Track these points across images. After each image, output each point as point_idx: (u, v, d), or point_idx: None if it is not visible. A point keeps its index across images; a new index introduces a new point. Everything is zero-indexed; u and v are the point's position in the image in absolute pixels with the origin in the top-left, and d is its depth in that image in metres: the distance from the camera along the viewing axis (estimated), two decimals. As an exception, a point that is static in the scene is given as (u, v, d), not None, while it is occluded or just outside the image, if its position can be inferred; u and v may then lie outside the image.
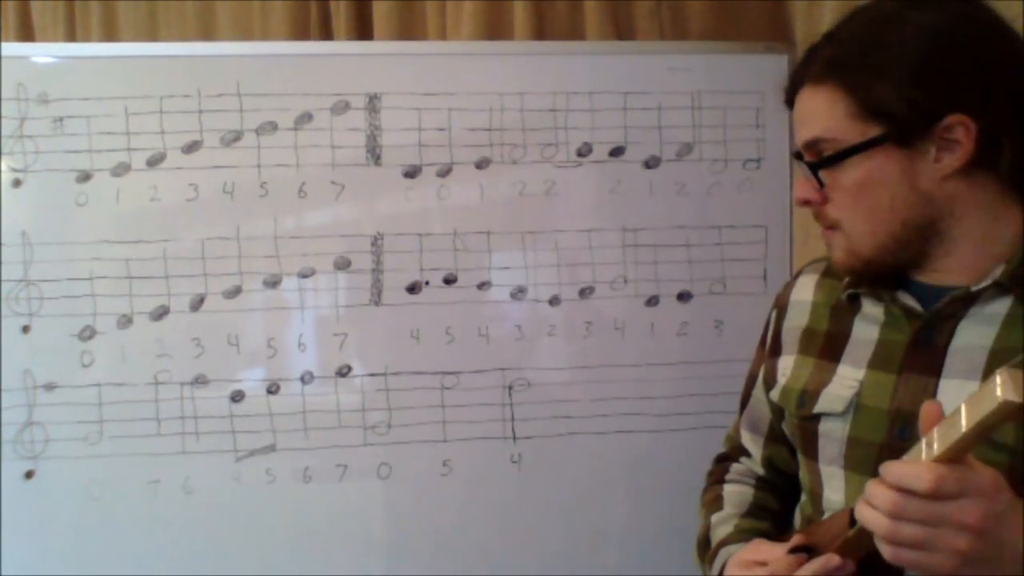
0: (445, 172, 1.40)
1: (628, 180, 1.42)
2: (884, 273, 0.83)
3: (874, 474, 0.76)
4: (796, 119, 0.83)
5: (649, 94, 1.41)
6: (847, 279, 0.89)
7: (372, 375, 1.39)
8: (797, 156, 0.84)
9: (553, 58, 1.43)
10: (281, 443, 1.38)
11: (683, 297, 1.43)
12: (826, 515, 0.85)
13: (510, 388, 1.41)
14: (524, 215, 1.41)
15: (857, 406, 0.83)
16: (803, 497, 0.93)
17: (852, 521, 0.71)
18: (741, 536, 0.94)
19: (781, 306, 0.98)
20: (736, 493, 1.01)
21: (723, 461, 1.07)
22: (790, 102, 0.85)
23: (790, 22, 1.50)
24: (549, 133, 1.40)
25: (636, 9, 1.55)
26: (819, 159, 0.80)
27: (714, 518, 0.99)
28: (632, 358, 1.42)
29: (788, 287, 0.99)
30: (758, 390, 1.00)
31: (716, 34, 1.53)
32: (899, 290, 0.84)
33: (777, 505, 0.99)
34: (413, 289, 1.40)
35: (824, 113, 0.80)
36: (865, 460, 0.81)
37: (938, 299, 0.80)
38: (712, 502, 1.02)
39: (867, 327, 0.86)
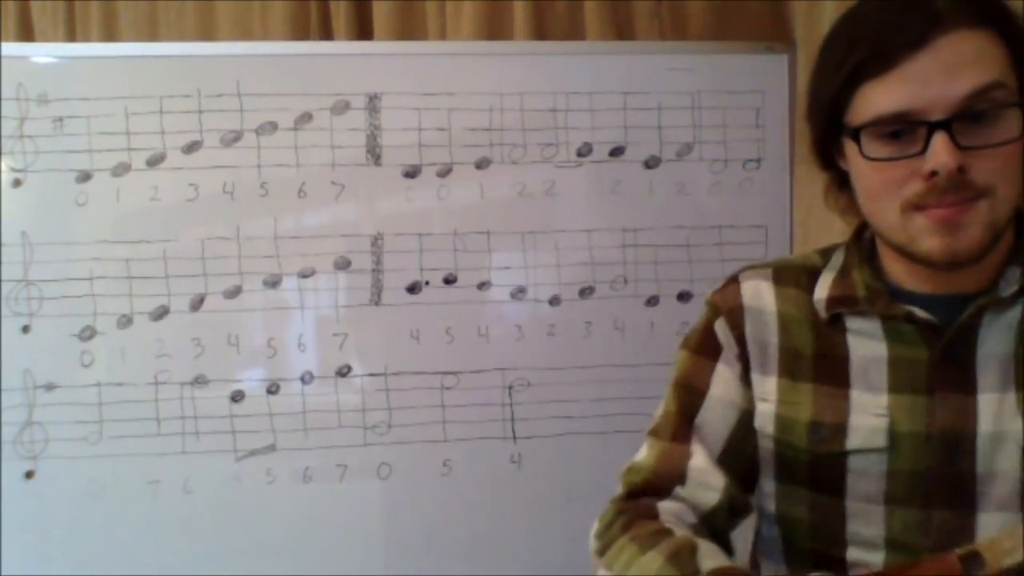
0: (445, 172, 1.40)
1: (628, 180, 1.42)
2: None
3: (924, 505, 0.74)
4: (949, 66, 0.69)
5: (649, 94, 1.41)
6: (828, 295, 0.81)
7: (372, 375, 1.39)
8: (937, 125, 0.69)
9: (553, 58, 1.43)
10: (281, 443, 1.38)
11: (683, 297, 1.43)
12: (854, 549, 0.78)
13: (510, 388, 1.41)
14: (524, 215, 1.41)
15: (893, 435, 0.76)
16: (772, 531, 0.84)
17: (966, 568, 0.65)
18: None
19: (729, 310, 0.85)
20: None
21: (633, 499, 0.86)
22: (915, 44, 0.70)
23: (790, 22, 1.50)
24: (549, 133, 1.40)
25: (636, 9, 1.55)
26: (1007, 106, 0.69)
27: (700, 542, 0.76)
28: (632, 358, 1.41)
29: (728, 292, 0.87)
30: (712, 405, 0.85)
31: (716, 34, 1.53)
32: (900, 304, 0.77)
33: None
34: (413, 289, 1.40)
35: (995, 58, 0.69)
36: (912, 492, 0.75)
37: (939, 309, 0.76)
38: (661, 533, 0.78)
39: (867, 345, 0.79)
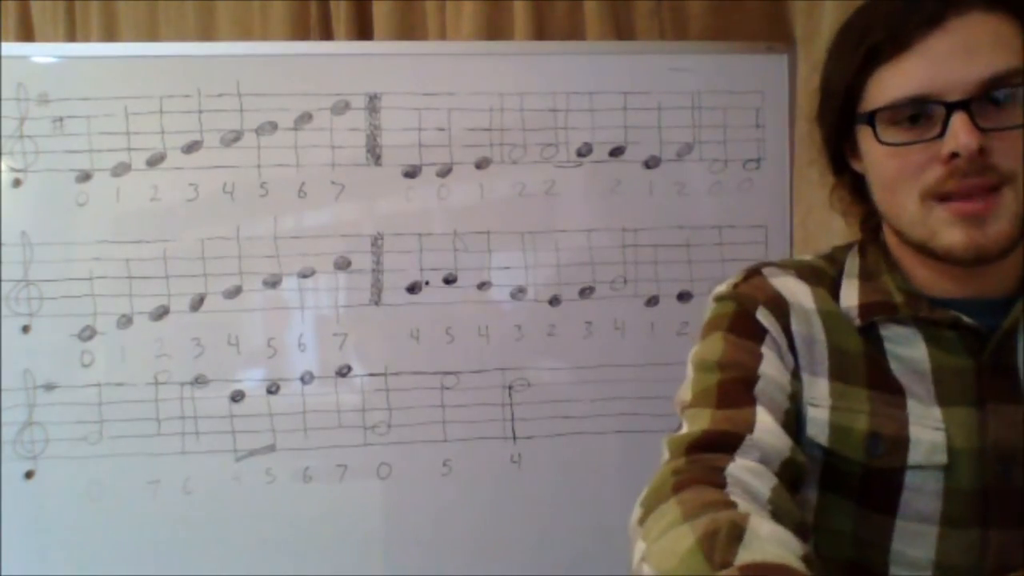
0: (445, 172, 1.40)
1: (628, 180, 1.42)
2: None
3: (983, 525, 0.69)
4: (966, 47, 0.67)
5: (649, 94, 1.41)
6: (861, 302, 0.76)
7: (372, 375, 1.39)
8: (956, 106, 0.66)
9: (553, 58, 1.42)
10: (281, 443, 1.38)
11: (683, 297, 1.43)
12: (897, 567, 0.73)
13: (510, 388, 1.41)
14: (524, 215, 1.40)
15: (951, 451, 0.71)
16: (828, 538, 0.75)
17: None
18: None
19: (768, 300, 0.78)
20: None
21: (696, 453, 0.69)
22: (929, 24, 0.68)
23: (790, 22, 1.50)
24: (549, 133, 1.40)
25: (636, 9, 1.55)
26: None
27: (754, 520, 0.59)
28: (632, 358, 1.41)
29: (758, 285, 0.79)
30: (769, 382, 0.74)
31: (716, 34, 1.53)
32: (938, 308, 0.73)
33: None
34: (413, 289, 1.40)
35: (1012, 43, 0.67)
36: (966, 512, 0.71)
37: (973, 314, 0.72)
38: (716, 504, 0.61)
39: (908, 353, 0.74)
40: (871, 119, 0.70)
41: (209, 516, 1.37)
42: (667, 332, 1.42)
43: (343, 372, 1.39)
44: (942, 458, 0.70)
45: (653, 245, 1.42)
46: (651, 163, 1.42)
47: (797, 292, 0.78)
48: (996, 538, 0.70)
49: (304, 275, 1.39)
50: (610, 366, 1.41)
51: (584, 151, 1.41)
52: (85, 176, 1.35)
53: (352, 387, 1.39)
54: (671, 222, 1.42)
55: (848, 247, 0.84)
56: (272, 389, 1.38)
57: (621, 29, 1.55)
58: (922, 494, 0.71)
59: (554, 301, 1.41)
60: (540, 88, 1.40)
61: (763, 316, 0.77)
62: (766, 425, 0.70)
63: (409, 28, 1.59)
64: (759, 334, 0.76)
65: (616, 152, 1.42)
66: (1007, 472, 0.69)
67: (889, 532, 0.73)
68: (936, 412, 0.71)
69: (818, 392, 0.75)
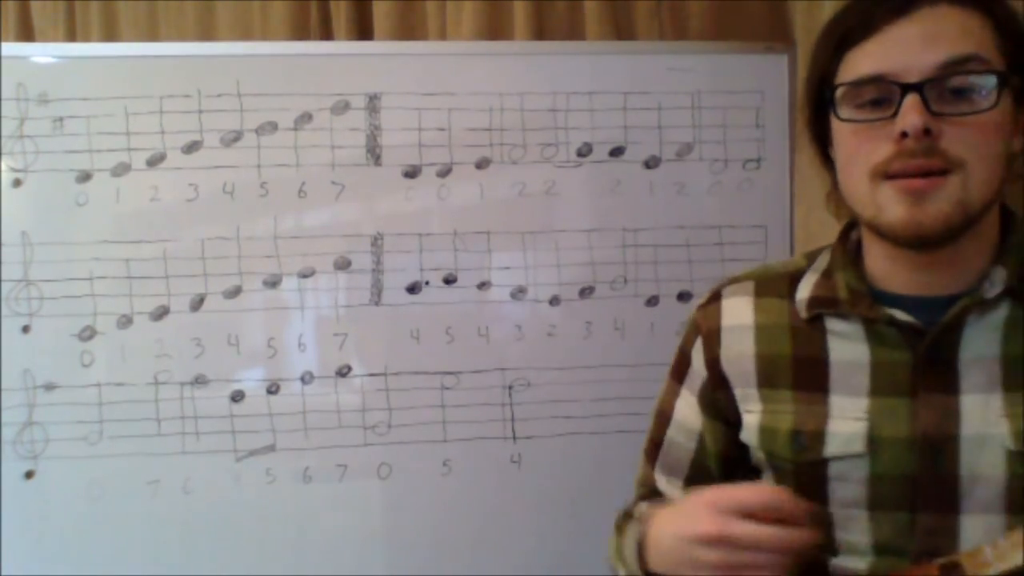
0: (445, 172, 1.40)
1: (628, 180, 1.42)
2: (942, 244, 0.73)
3: (911, 509, 0.73)
4: (928, 35, 0.69)
5: (649, 94, 1.41)
6: (809, 295, 0.81)
7: (372, 375, 1.39)
8: (910, 87, 0.69)
9: (553, 58, 1.42)
10: (281, 443, 1.38)
11: (683, 297, 1.43)
12: (843, 556, 0.78)
13: (510, 388, 1.41)
14: (524, 215, 1.40)
15: (873, 440, 0.75)
16: None
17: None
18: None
19: (708, 333, 0.87)
20: None
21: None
22: (897, 12, 0.71)
23: (790, 22, 1.50)
24: (549, 133, 1.40)
25: (636, 9, 1.55)
26: (985, 73, 0.69)
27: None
28: (632, 358, 1.41)
29: (710, 312, 0.88)
30: (675, 430, 0.91)
31: (716, 34, 1.53)
32: (879, 305, 0.77)
33: None
34: (413, 289, 1.40)
35: (976, 34, 0.70)
36: (897, 497, 0.75)
37: (922, 311, 0.75)
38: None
39: (848, 348, 0.78)
40: (833, 95, 0.74)
41: (209, 516, 1.37)
42: (667, 332, 1.42)
43: (343, 372, 1.39)
44: (859, 447, 0.75)
45: (653, 245, 1.42)
46: (651, 163, 1.42)
47: (741, 313, 0.85)
48: (924, 522, 0.74)
49: (304, 275, 1.39)
50: (610, 366, 1.41)
51: (584, 151, 1.41)
52: (85, 176, 1.35)
53: (352, 387, 1.39)
54: (671, 222, 1.42)
55: (832, 244, 0.88)
56: (272, 389, 1.38)
57: (621, 29, 1.55)
58: (847, 482, 0.76)
59: (554, 301, 1.41)
60: (540, 88, 1.40)
61: (695, 352, 0.89)
62: (664, 489, 0.92)
63: (409, 28, 1.59)
64: (684, 373, 0.91)
65: (616, 152, 1.42)
66: (935, 459, 0.73)
67: (829, 521, 0.78)
68: (863, 403, 0.76)
69: (751, 401, 0.83)
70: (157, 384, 1.36)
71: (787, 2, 1.51)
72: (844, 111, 0.74)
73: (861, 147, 0.73)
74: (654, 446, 0.94)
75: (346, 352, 1.39)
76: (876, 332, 0.77)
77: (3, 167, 1.34)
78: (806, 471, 0.78)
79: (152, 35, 1.68)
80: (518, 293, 1.41)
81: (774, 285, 0.85)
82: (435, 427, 1.40)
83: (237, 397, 1.38)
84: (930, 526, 0.73)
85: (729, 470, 0.88)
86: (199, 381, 1.37)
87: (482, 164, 1.40)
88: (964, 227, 0.71)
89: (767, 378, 0.82)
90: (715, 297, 0.89)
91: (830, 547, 0.79)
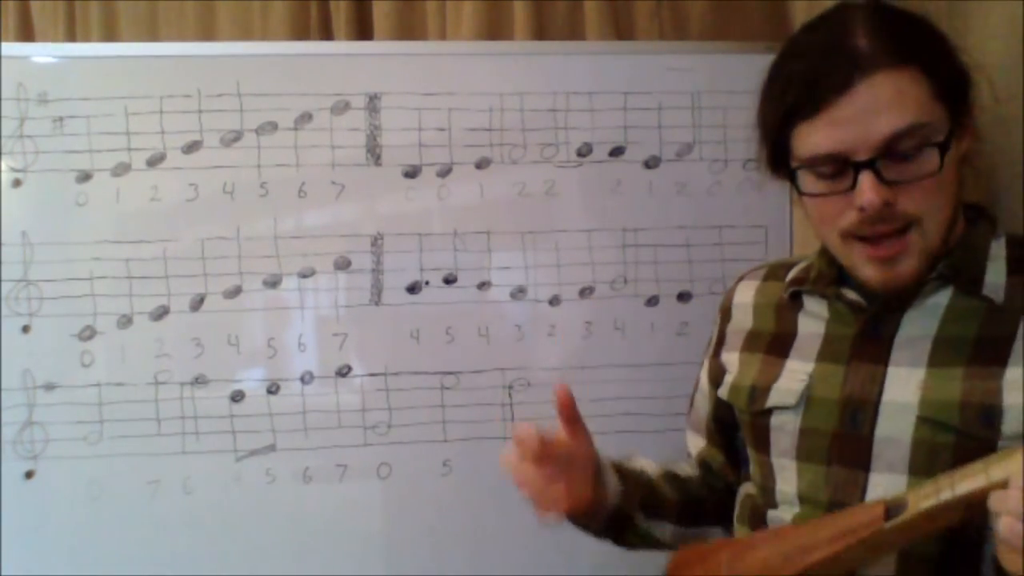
0: (445, 172, 1.40)
1: (628, 180, 1.42)
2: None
3: (827, 463, 0.82)
4: (869, 111, 0.74)
5: (649, 94, 1.41)
6: (791, 277, 0.92)
7: (372, 375, 1.39)
8: (862, 165, 0.74)
9: (553, 58, 1.42)
10: (281, 443, 1.38)
11: (683, 297, 1.43)
12: (780, 507, 0.87)
13: (510, 388, 1.41)
14: (524, 215, 1.40)
15: (808, 398, 0.85)
16: (749, 491, 0.94)
17: (889, 513, 0.69)
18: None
19: (724, 310, 1.01)
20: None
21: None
22: (838, 91, 0.75)
23: (790, 22, 1.50)
24: (549, 133, 1.40)
25: (636, 9, 1.55)
26: (927, 144, 0.74)
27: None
28: (632, 358, 1.41)
29: (730, 293, 1.01)
30: (700, 393, 1.04)
31: (716, 34, 1.54)
32: (842, 287, 0.86)
33: (702, 493, 1.02)
34: (413, 289, 1.40)
35: (915, 97, 0.74)
36: (818, 450, 0.83)
37: (878, 293, 0.82)
38: None
39: (812, 323, 0.88)
40: (793, 173, 0.80)
41: (209, 516, 1.37)
42: (667, 332, 1.42)
43: (343, 372, 1.39)
44: (790, 400, 0.85)
45: (653, 245, 1.42)
46: (651, 163, 1.42)
47: (747, 293, 0.98)
48: (836, 475, 0.81)
49: (304, 275, 1.39)
50: (610, 366, 1.41)
51: (584, 151, 1.41)
52: (85, 176, 1.35)
53: (352, 387, 1.39)
54: (671, 222, 1.42)
55: None
56: (272, 389, 1.38)
57: (621, 29, 1.55)
58: (783, 432, 0.86)
59: (554, 301, 1.42)
60: (540, 88, 1.40)
61: (715, 324, 1.02)
62: (688, 443, 1.07)
63: (409, 28, 1.59)
64: (708, 346, 1.03)
65: (616, 152, 1.42)
66: (854, 419, 0.81)
67: (771, 470, 0.88)
68: (809, 367, 0.86)
69: (732, 363, 0.95)
70: (157, 384, 1.36)
71: (787, 2, 1.51)
72: (807, 184, 0.80)
73: (827, 214, 0.80)
74: (689, 408, 1.08)
75: (346, 352, 1.39)
76: (835, 309, 0.87)
77: (3, 167, 1.34)
78: (757, 421, 0.89)
79: (152, 35, 1.68)
80: (518, 293, 1.41)
81: (779, 271, 0.96)
82: (435, 427, 1.40)
83: (237, 397, 1.38)
84: (841, 479, 0.81)
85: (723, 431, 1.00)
86: (199, 381, 1.37)
87: (482, 164, 1.40)
88: (930, 269, 0.79)
89: (748, 344, 0.94)
90: (737, 281, 1.02)
91: (770, 499, 0.88)
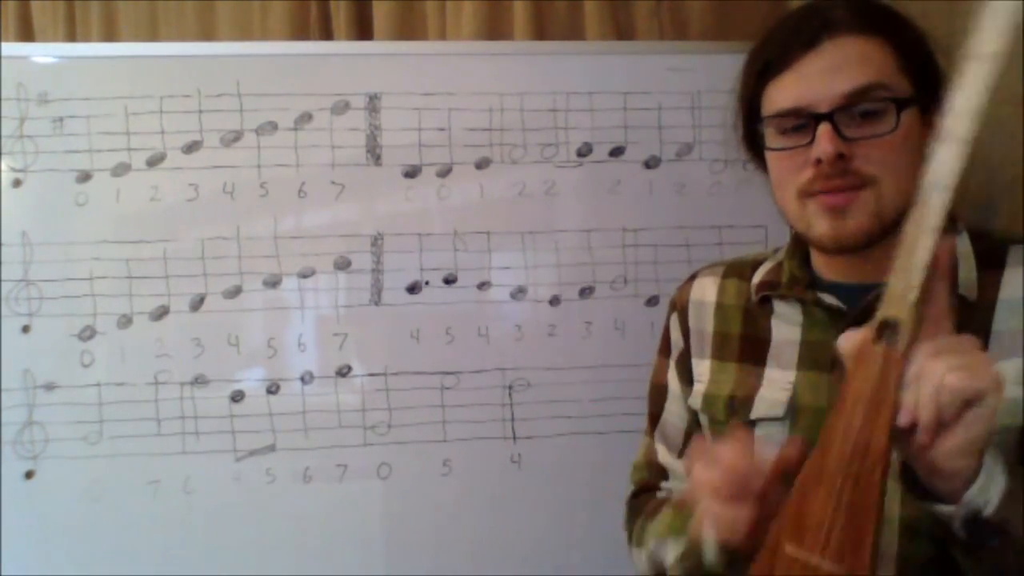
0: (445, 172, 1.40)
1: (628, 180, 1.42)
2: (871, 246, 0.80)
3: None
4: (834, 66, 0.77)
5: (649, 94, 1.41)
6: (760, 280, 0.90)
7: (372, 375, 1.39)
8: (822, 117, 0.77)
9: (553, 58, 1.42)
10: (281, 443, 1.38)
11: (683, 297, 1.43)
12: None
13: (510, 388, 1.41)
14: (524, 215, 1.40)
15: (795, 408, 0.84)
16: None
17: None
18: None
19: (680, 307, 0.98)
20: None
21: (638, 497, 1.02)
22: (807, 46, 0.78)
23: (790, 22, 1.50)
24: (549, 133, 1.40)
25: (636, 9, 1.55)
26: (886, 101, 0.76)
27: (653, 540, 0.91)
28: (632, 358, 1.41)
29: (684, 289, 0.99)
30: (671, 402, 0.99)
31: (716, 34, 1.54)
32: (816, 290, 0.85)
33: None
34: (413, 289, 1.40)
35: (879, 62, 0.78)
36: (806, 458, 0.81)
37: (853, 297, 0.81)
38: (662, 501, 0.96)
39: (787, 329, 0.87)
40: (761, 127, 0.83)
41: (209, 516, 1.37)
42: (667, 332, 1.42)
43: (343, 372, 1.39)
44: (778, 412, 0.84)
45: (653, 245, 1.42)
46: (651, 163, 1.42)
47: (706, 291, 0.96)
48: None
49: (304, 275, 1.39)
50: (610, 366, 1.41)
51: (584, 151, 1.41)
52: (85, 176, 1.35)
53: (352, 387, 1.39)
54: (671, 222, 1.42)
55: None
56: (272, 389, 1.38)
57: (621, 29, 1.55)
58: (771, 443, 0.81)
59: (554, 301, 1.42)
60: (540, 88, 1.40)
61: (672, 325, 1.00)
62: (665, 460, 0.99)
63: (409, 28, 1.59)
64: (668, 349, 1.00)
65: (616, 152, 1.42)
66: None
67: None
68: (791, 376, 0.85)
69: (701, 371, 0.93)
70: (157, 384, 1.36)
71: (787, 2, 1.51)
72: (771, 140, 0.83)
73: (787, 171, 0.81)
74: (652, 420, 1.02)
75: (346, 352, 1.39)
76: (810, 314, 0.86)
77: (3, 167, 1.34)
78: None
79: (152, 35, 1.68)
80: (518, 293, 1.41)
81: (740, 269, 0.95)
82: (435, 427, 1.40)
83: (237, 397, 1.38)
84: None
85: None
86: (199, 381, 1.37)
87: (482, 164, 1.40)
88: (881, 234, 0.78)
89: (718, 351, 0.92)
90: (691, 278, 1.00)
91: None
